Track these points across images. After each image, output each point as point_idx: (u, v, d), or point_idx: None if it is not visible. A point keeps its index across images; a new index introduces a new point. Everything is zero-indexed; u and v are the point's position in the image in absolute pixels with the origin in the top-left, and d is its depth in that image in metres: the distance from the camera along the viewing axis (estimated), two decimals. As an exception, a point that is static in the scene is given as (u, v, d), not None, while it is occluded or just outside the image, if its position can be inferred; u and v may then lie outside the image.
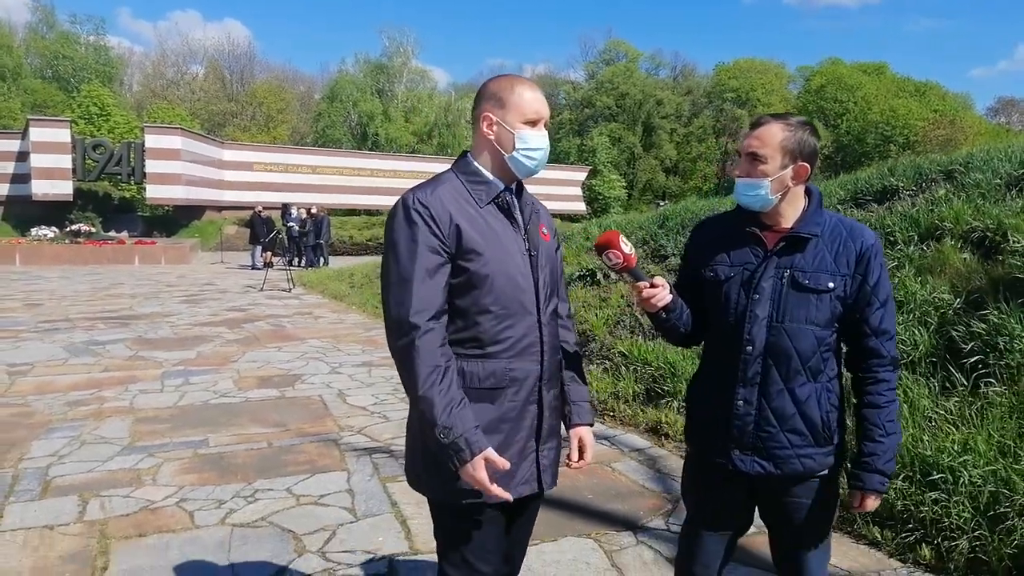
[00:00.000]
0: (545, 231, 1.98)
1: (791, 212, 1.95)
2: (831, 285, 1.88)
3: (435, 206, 1.74)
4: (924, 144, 43.19)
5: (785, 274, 1.91)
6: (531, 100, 1.84)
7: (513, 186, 1.91)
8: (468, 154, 1.91)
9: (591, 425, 2.05)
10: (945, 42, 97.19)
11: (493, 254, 1.79)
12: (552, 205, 39.21)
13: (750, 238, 1.96)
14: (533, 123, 1.84)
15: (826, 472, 1.97)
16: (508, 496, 1.74)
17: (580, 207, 41.65)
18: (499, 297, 1.79)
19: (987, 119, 60.39)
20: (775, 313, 1.91)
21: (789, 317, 1.89)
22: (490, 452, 1.68)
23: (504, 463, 1.70)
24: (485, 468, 1.67)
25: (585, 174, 44.65)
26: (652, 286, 1.94)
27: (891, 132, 52.34)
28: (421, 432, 1.76)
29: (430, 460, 1.82)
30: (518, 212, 1.89)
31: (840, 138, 55.05)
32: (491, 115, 1.84)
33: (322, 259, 22.30)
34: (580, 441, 2.01)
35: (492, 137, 1.85)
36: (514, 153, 1.84)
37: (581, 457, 2.02)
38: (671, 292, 1.98)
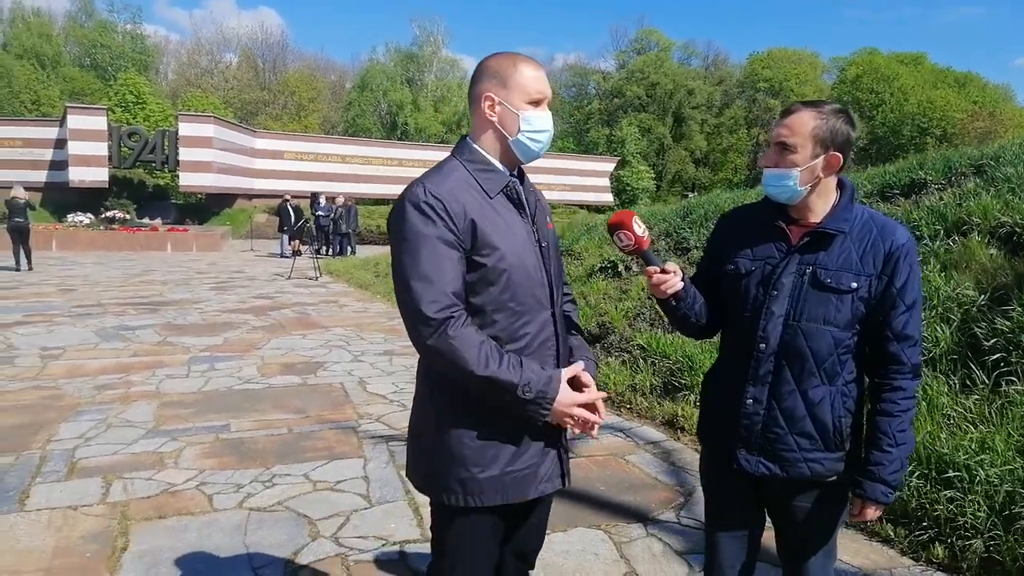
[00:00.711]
0: (548, 220, 1.94)
1: (821, 206, 1.87)
2: (854, 285, 1.80)
3: (448, 200, 1.66)
4: (962, 136, 42.26)
5: (807, 271, 1.83)
6: (535, 79, 1.76)
7: (516, 173, 1.85)
8: (468, 139, 1.83)
9: (590, 365, 1.91)
10: (986, 31, 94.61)
11: (508, 248, 1.72)
12: (579, 196, 39.17)
13: (775, 232, 1.89)
14: (537, 103, 1.77)
15: (835, 478, 1.90)
16: (599, 419, 1.79)
17: (608, 198, 41.43)
18: (516, 292, 1.73)
19: (1029, 110, 58.71)
20: (792, 311, 1.84)
21: (807, 316, 1.82)
22: (566, 373, 1.76)
23: (585, 376, 1.80)
24: (570, 388, 1.75)
25: (613, 165, 44.39)
26: (663, 271, 1.90)
27: (928, 124, 51.34)
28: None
29: (429, 459, 1.81)
30: (526, 202, 1.83)
31: (875, 130, 54.09)
32: (493, 95, 1.76)
33: (350, 248, 22.52)
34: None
35: (495, 119, 1.77)
36: (519, 136, 1.77)
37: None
38: (683, 280, 1.94)
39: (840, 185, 1.91)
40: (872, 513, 1.88)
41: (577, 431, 1.81)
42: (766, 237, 1.92)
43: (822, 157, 1.80)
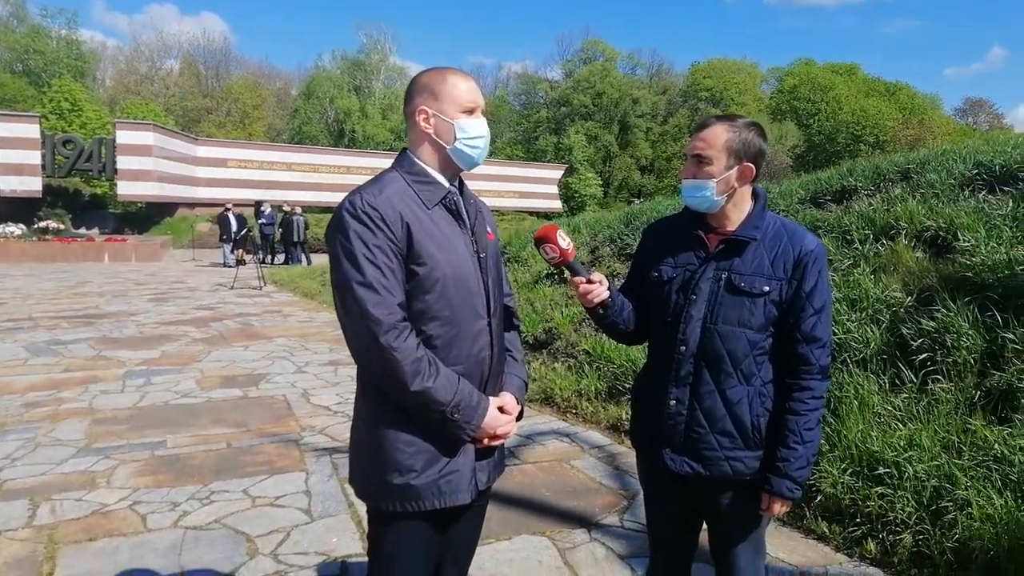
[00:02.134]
0: (489, 230, 1.96)
1: (736, 214, 1.96)
2: (766, 289, 1.89)
3: (384, 208, 1.69)
4: (893, 144, 43.94)
5: (723, 276, 1.92)
6: (466, 89, 1.81)
7: (456, 184, 1.88)
8: (408, 152, 1.86)
9: (520, 389, 1.99)
10: (921, 42, 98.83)
11: (444, 257, 1.75)
12: (528, 203, 39.36)
13: (694, 240, 1.98)
14: (470, 111, 1.81)
15: (755, 474, 1.97)
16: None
17: (556, 205, 41.77)
18: (451, 301, 1.76)
19: (955, 119, 61.42)
20: (710, 315, 1.92)
21: (723, 319, 1.90)
22: (494, 400, 1.84)
23: (511, 406, 1.90)
24: (497, 412, 1.84)
25: (561, 172, 44.79)
26: (589, 282, 1.96)
27: (861, 132, 53.23)
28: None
29: (366, 466, 1.82)
30: (465, 213, 1.86)
31: (812, 137, 55.79)
32: (427, 108, 1.80)
33: (304, 257, 22.09)
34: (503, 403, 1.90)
35: (430, 130, 1.81)
36: (456, 144, 1.81)
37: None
38: (609, 289, 2.00)
39: (754, 194, 1.99)
40: (779, 508, 1.96)
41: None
42: (686, 246, 2.00)
43: (736, 168, 1.89)
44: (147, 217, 31.65)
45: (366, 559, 3.19)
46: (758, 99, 59.06)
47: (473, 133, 1.82)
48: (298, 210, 22.86)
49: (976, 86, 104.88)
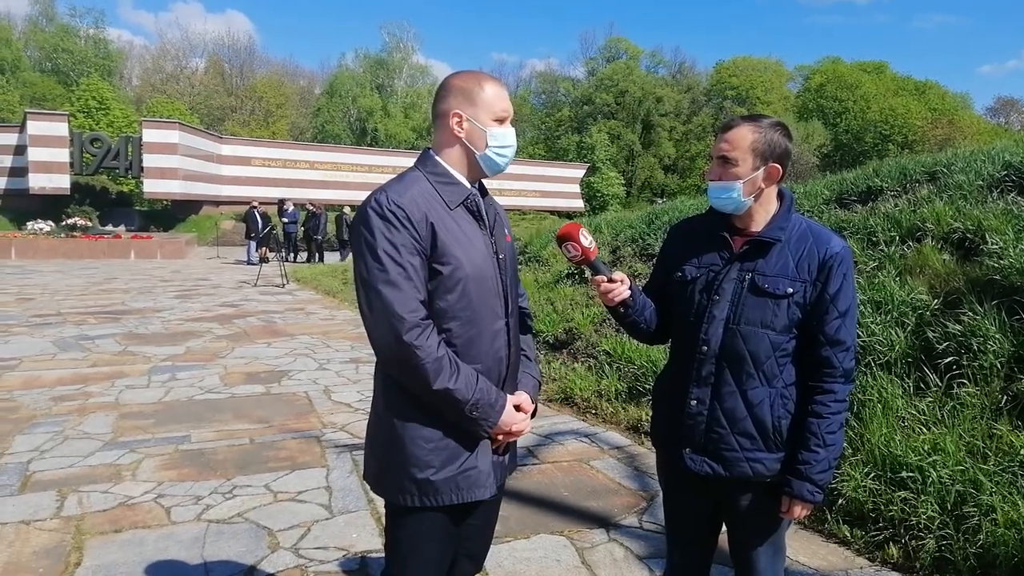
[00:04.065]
0: (507, 232, 1.99)
1: (762, 215, 1.95)
2: (790, 291, 1.88)
3: (410, 207, 1.71)
4: (922, 143, 43.35)
5: (746, 277, 1.91)
6: (499, 97, 1.84)
7: (477, 186, 1.91)
8: (431, 152, 1.88)
9: (534, 388, 2.03)
10: (955, 38, 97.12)
11: (466, 257, 1.77)
12: (550, 202, 39.34)
13: (719, 241, 1.98)
14: (502, 120, 1.84)
15: (776, 477, 1.95)
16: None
17: (578, 204, 41.68)
18: (472, 301, 1.79)
19: (986, 119, 60.42)
20: (732, 315, 1.91)
21: (745, 320, 1.90)
22: (511, 398, 1.87)
23: (526, 404, 1.92)
24: (513, 410, 1.87)
25: (583, 171, 44.71)
26: (611, 280, 1.97)
27: (889, 131, 52.54)
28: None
29: (385, 461, 1.84)
30: (485, 214, 1.89)
31: (839, 136, 55.16)
32: (460, 112, 1.82)
33: (318, 255, 22.35)
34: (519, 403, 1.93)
35: (462, 135, 1.83)
36: (486, 151, 1.83)
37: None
38: (630, 288, 2.01)
39: (780, 195, 1.99)
40: (799, 511, 1.94)
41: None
42: (711, 246, 2.00)
43: (762, 169, 1.89)
44: (172, 215, 32.09)
45: (385, 554, 3.24)
46: (784, 97, 58.56)
47: (503, 142, 1.85)
48: (309, 206, 23.12)
49: (1011, 84, 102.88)
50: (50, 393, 5.93)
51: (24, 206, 27.60)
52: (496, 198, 2.02)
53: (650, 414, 5.03)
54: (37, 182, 27.88)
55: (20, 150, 28.63)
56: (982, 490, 3.16)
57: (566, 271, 8.42)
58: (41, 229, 23.63)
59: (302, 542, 3.36)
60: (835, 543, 3.43)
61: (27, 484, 3.98)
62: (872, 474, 3.52)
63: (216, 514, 3.64)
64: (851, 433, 3.73)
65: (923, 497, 3.28)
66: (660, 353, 5.55)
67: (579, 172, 44.05)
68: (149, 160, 29.09)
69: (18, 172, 28.65)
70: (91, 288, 14.04)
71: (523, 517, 3.67)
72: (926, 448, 3.48)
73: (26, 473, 4.14)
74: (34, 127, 27.88)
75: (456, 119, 1.82)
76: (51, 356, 7.44)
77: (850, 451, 3.68)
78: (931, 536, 3.15)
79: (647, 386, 5.40)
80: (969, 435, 3.51)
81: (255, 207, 21.82)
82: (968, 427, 3.56)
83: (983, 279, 4.37)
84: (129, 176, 31.99)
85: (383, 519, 3.52)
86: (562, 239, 1.98)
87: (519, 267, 2.12)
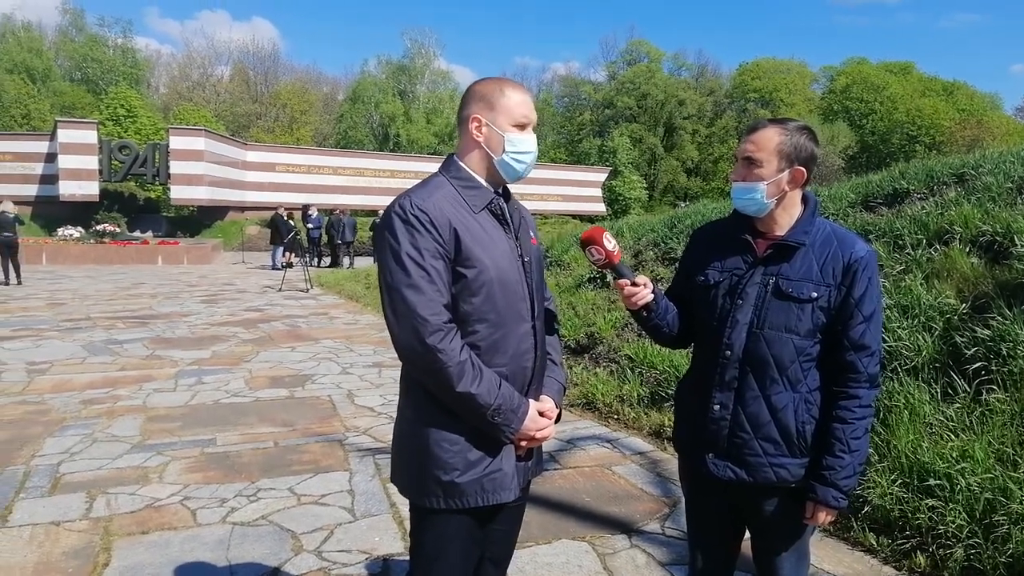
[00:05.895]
0: (532, 235, 2.00)
1: (786, 219, 1.94)
2: (814, 295, 1.86)
3: (433, 212, 1.73)
4: (950, 145, 42.66)
5: (770, 281, 1.90)
6: (520, 104, 1.85)
7: (501, 191, 1.92)
8: (455, 157, 1.90)
9: (558, 392, 2.01)
10: (985, 38, 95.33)
11: (491, 261, 1.78)
12: (572, 206, 39.25)
13: (742, 245, 1.97)
14: (522, 126, 1.85)
15: (800, 482, 1.94)
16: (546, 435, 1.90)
17: (600, 208, 41.54)
18: (497, 304, 1.79)
19: (1017, 119, 59.31)
20: (756, 319, 1.90)
21: (769, 324, 1.88)
22: (535, 404, 1.86)
23: (550, 410, 1.91)
24: (536, 415, 1.86)
25: (605, 175, 44.57)
26: (634, 284, 1.97)
27: (917, 132, 51.81)
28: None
29: (410, 464, 1.85)
30: (509, 217, 1.89)
31: (865, 138, 54.51)
32: (480, 117, 1.83)
33: (347, 260, 22.52)
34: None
35: (481, 140, 1.84)
36: (504, 156, 1.84)
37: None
38: (653, 292, 2.00)
39: (804, 199, 1.97)
40: (824, 517, 1.92)
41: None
42: (734, 250, 1.99)
43: (787, 171, 1.88)
44: (198, 220, 32.51)
45: (407, 558, 3.24)
46: (808, 99, 57.99)
47: (521, 148, 1.85)
48: (347, 212, 23.30)
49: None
50: (80, 396, 6.04)
51: (54, 213, 28.09)
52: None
53: (672, 419, 5.02)
54: (67, 189, 28.35)
55: (51, 158, 29.14)
56: (1012, 498, 3.10)
57: (588, 275, 8.41)
58: (71, 235, 24.09)
59: (325, 545, 3.39)
60: (861, 551, 3.38)
61: (57, 486, 4.06)
62: (899, 481, 3.47)
63: (241, 516, 3.69)
64: (877, 440, 3.68)
65: (951, 505, 3.22)
66: (683, 358, 5.52)
67: (601, 176, 43.92)
68: (176, 167, 29.49)
69: (49, 179, 29.16)
70: (120, 293, 14.27)
71: (545, 522, 3.67)
72: (954, 455, 3.42)
73: (56, 475, 4.22)
74: (64, 135, 28.37)
75: (476, 123, 1.84)
76: (81, 360, 7.57)
77: (876, 458, 3.63)
78: (959, 545, 3.10)
79: (669, 391, 5.37)
80: (998, 442, 3.45)
81: (280, 212, 22.00)
82: (997, 434, 3.50)
83: (1012, 283, 4.30)
84: (156, 183, 32.46)
85: (405, 523, 3.57)
86: (586, 243, 1.99)
87: (542, 270, 2.10)
